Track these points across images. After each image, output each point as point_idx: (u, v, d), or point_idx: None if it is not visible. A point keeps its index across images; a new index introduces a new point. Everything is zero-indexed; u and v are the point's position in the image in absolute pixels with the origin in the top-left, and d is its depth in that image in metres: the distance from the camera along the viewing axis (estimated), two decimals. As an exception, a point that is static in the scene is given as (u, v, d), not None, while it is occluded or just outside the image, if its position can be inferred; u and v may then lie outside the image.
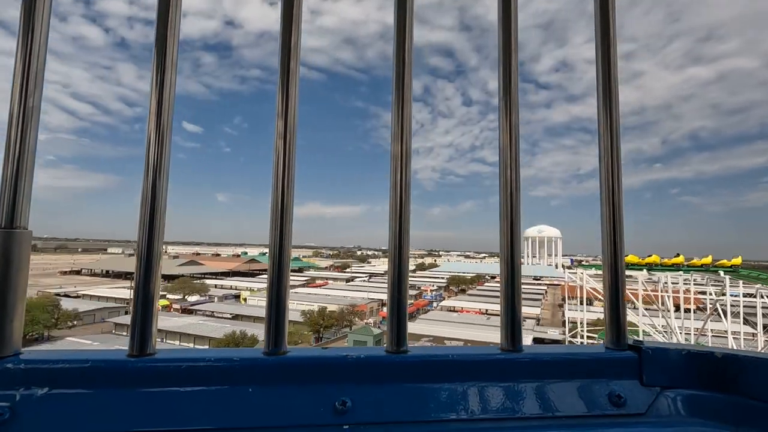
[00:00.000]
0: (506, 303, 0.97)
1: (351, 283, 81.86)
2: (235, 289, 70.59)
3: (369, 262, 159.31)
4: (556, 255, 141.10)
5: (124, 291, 60.29)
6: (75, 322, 44.30)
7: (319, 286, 75.56)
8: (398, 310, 0.93)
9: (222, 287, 72.59)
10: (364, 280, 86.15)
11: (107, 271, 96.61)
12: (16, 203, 0.80)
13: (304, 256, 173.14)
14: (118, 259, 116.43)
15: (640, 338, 1.00)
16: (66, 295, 55.74)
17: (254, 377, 0.84)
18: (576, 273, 30.56)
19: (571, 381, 0.93)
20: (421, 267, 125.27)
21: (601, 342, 1.03)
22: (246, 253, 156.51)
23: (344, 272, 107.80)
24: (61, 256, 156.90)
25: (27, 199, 0.82)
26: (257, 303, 55.95)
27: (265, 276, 0.88)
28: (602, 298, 0.99)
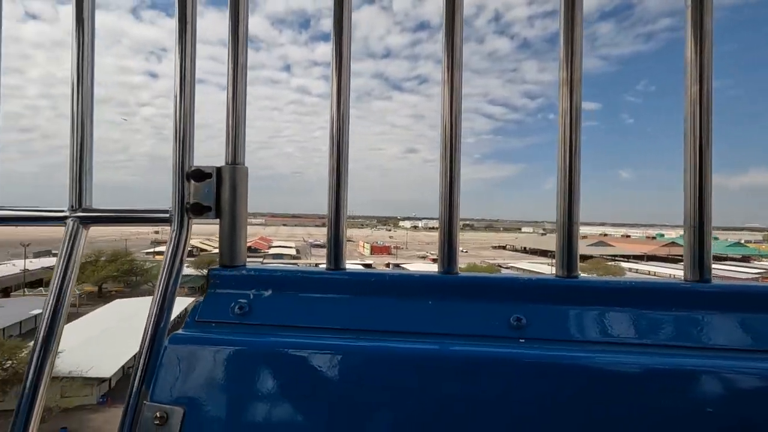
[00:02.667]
0: (692, 232, 0.90)
1: None
2: (655, 275, 62.75)
3: None
4: None
5: (544, 267, 66.76)
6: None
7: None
8: (569, 238, 0.94)
9: (638, 271, 66.26)
10: None
11: (524, 248, 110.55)
12: (236, 144, 0.98)
13: (746, 241, 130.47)
14: (532, 237, 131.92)
15: None
16: (500, 266, 67.92)
17: (432, 293, 0.93)
18: None
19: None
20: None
21: None
22: (662, 236, 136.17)
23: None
24: (489, 233, 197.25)
25: (243, 140, 0.99)
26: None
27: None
28: None
